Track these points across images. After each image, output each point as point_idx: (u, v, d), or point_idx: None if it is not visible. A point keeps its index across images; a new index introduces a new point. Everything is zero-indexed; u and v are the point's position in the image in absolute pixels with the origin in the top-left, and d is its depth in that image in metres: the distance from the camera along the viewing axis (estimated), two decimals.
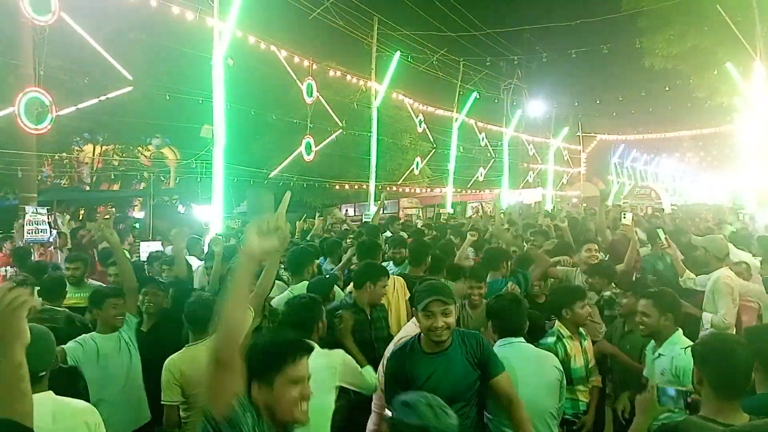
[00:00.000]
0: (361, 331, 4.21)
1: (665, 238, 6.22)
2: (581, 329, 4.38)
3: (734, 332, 5.33)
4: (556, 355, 3.92)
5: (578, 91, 36.18)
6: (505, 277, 5.54)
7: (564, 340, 4.15)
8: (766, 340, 2.95)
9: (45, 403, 2.61)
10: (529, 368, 3.51)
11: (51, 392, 2.77)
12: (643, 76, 28.91)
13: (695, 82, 24.87)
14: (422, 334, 3.16)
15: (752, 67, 18.17)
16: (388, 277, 4.62)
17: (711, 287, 5.34)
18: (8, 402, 2.02)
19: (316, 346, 3.34)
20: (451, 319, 3.09)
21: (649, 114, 34.16)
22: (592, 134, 42.35)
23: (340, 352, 3.58)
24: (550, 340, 4.18)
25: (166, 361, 3.74)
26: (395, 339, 3.97)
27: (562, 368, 3.70)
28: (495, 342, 3.70)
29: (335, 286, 5.28)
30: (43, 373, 2.69)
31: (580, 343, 4.26)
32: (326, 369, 3.31)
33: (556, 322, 4.36)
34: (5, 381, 2.01)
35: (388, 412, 2.95)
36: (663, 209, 22.95)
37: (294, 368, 2.19)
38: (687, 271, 5.86)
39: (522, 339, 3.71)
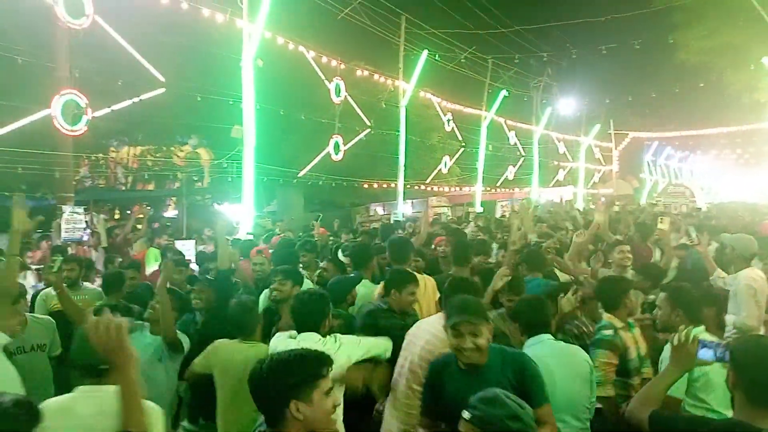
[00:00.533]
0: (394, 336, 4.03)
1: (696, 236, 6.14)
2: (629, 319, 4.29)
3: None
4: (617, 347, 3.92)
5: (609, 87, 35.59)
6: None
7: (620, 331, 4.05)
8: None
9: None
10: (563, 364, 3.53)
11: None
12: (676, 72, 28.39)
13: (730, 78, 24.35)
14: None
15: None
16: (417, 285, 4.46)
17: (734, 288, 5.24)
18: (132, 415, 2.37)
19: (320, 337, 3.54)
20: (482, 340, 2.97)
21: (683, 110, 33.52)
22: (625, 132, 41.68)
23: (336, 340, 3.59)
24: (608, 332, 4.06)
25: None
26: (419, 324, 3.98)
27: (592, 362, 3.70)
28: (523, 343, 3.74)
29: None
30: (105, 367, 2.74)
31: (632, 334, 4.18)
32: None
33: (605, 314, 4.29)
34: (127, 398, 2.37)
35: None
36: (699, 208, 22.50)
37: (326, 380, 2.30)
38: (718, 269, 5.75)
39: (550, 335, 3.74)
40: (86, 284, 6.22)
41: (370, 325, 4.21)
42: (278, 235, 10.50)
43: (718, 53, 22.29)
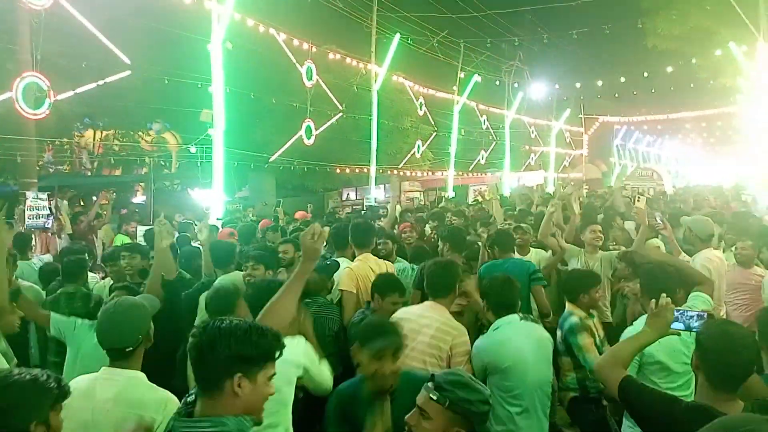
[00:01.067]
0: None
1: (662, 220, 6.21)
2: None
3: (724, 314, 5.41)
4: (589, 328, 4.18)
5: (580, 72, 35.80)
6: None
7: (583, 319, 4.29)
8: None
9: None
10: (534, 347, 3.66)
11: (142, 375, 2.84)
12: (646, 57, 28.67)
13: (698, 63, 24.74)
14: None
15: (756, 47, 18.04)
16: (402, 295, 4.34)
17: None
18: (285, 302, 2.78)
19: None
20: (398, 364, 2.92)
21: (652, 95, 33.95)
22: (594, 116, 42.15)
23: (302, 341, 3.43)
24: (575, 318, 4.29)
25: None
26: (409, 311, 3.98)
27: (577, 348, 3.95)
28: (490, 322, 3.78)
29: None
30: (130, 348, 2.80)
31: (592, 322, 4.41)
32: (290, 362, 3.10)
33: (568, 304, 4.42)
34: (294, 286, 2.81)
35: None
36: (665, 191, 22.90)
37: (273, 365, 2.12)
38: (682, 253, 5.85)
39: (516, 316, 3.81)
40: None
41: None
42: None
43: (686, 38, 22.58)
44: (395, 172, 24.11)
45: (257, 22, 14.91)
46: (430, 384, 2.33)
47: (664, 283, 3.70)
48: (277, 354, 2.11)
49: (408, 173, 25.38)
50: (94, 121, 19.70)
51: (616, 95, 35.04)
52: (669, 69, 27.58)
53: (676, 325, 2.69)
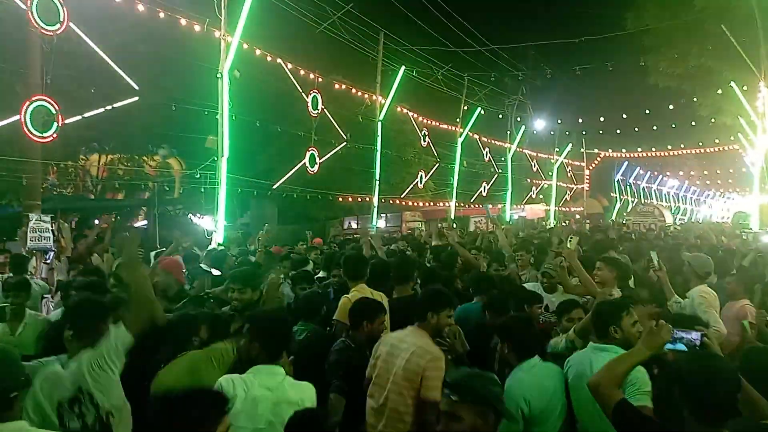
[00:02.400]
0: (361, 370, 3.97)
1: (658, 262, 6.19)
2: None
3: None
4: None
5: (582, 107, 36.25)
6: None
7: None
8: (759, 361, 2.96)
9: None
10: (558, 384, 3.60)
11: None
12: (647, 94, 29.02)
13: (699, 101, 25.00)
14: None
15: (757, 87, 18.24)
16: (386, 313, 4.41)
17: (692, 305, 5.36)
18: None
19: (290, 379, 3.25)
20: None
21: (653, 132, 34.25)
22: (596, 151, 42.41)
23: (311, 388, 3.32)
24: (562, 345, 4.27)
25: None
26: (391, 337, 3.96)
27: None
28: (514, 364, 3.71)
29: None
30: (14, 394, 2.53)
31: None
32: (294, 404, 3.10)
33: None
34: None
35: None
36: (668, 226, 22.93)
37: (223, 424, 2.12)
38: (675, 295, 5.82)
39: (538, 357, 3.72)
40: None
41: (343, 363, 4.13)
42: None
43: (688, 77, 22.87)
44: (397, 201, 24.19)
45: (265, 52, 15.13)
46: (446, 390, 2.49)
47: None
48: (221, 415, 2.13)
49: (410, 203, 25.45)
50: (100, 146, 19.85)
51: (618, 131, 35.36)
52: (670, 106, 27.90)
53: (673, 344, 2.76)
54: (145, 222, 20.95)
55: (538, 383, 3.51)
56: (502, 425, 2.68)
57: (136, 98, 13.11)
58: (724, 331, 5.07)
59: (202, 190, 16.76)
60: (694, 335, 2.76)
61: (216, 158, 13.01)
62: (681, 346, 2.75)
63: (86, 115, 12.36)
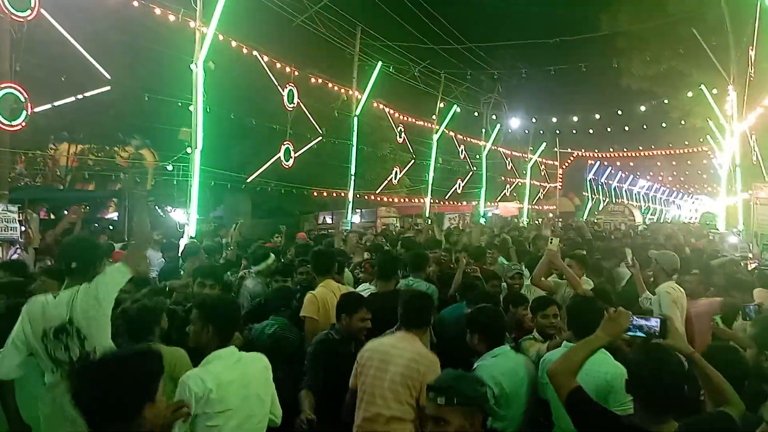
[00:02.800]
0: (346, 365, 3.93)
1: (632, 259, 6.30)
2: None
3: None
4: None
5: (556, 107, 36.60)
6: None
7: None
8: (723, 359, 3.03)
9: None
10: (527, 373, 3.75)
11: None
12: (620, 96, 29.43)
13: (670, 104, 25.47)
14: None
15: (726, 90, 18.63)
16: (367, 308, 4.36)
17: (656, 300, 5.52)
18: None
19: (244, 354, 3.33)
20: None
21: (625, 133, 34.75)
22: (569, 150, 42.92)
23: (262, 356, 3.45)
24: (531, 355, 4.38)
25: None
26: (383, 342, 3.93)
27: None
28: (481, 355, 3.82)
29: None
30: None
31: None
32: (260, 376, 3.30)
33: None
34: None
35: None
36: (637, 226, 23.35)
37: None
38: (646, 291, 5.95)
39: (508, 346, 3.92)
40: None
41: (325, 354, 4.16)
42: None
43: (660, 79, 23.29)
44: (372, 197, 24.20)
45: (240, 44, 14.99)
46: (431, 393, 2.47)
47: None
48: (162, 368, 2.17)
49: (385, 199, 25.47)
50: (70, 135, 19.44)
51: (591, 131, 35.80)
52: (642, 108, 28.36)
53: (632, 331, 2.74)
54: (116, 214, 20.63)
55: (509, 367, 3.66)
56: None
57: (108, 88, 12.90)
58: (681, 329, 5.18)
59: (175, 182, 16.57)
60: (653, 321, 2.73)
61: (189, 150, 12.86)
62: (640, 333, 2.73)
63: (56, 103, 12.15)
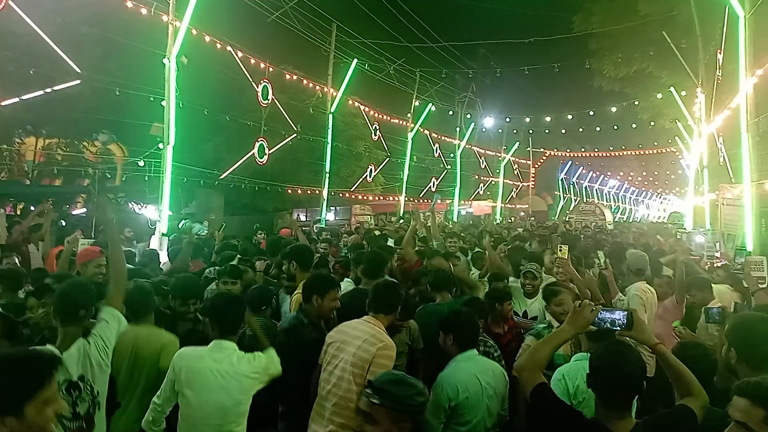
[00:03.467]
0: (315, 350, 3.96)
1: (605, 262, 6.37)
2: None
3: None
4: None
5: (530, 107, 37.18)
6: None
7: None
8: (691, 356, 3.10)
9: None
10: (492, 383, 3.76)
11: None
12: (592, 96, 29.84)
13: (640, 105, 25.85)
14: None
15: (695, 92, 18.99)
16: (338, 290, 4.40)
17: (626, 300, 5.60)
18: None
19: (236, 349, 3.58)
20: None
21: (596, 133, 35.26)
22: (542, 150, 43.40)
23: (263, 357, 3.70)
24: (541, 326, 4.63)
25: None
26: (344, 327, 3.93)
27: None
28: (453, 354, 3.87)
29: None
30: None
31: None
32: (249, 375, 3.57)
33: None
34: None
35: None
36: (606, 226, 23.70)
37: (48, 389, 1.99)
38: (619, 293, 6.02)
39: (476, 351, 3.93)
40: None
41: (294, 339, 4.15)
42: None
43: (630, 81, 23.61)
44: (347, 195, 24.16)
45: (214, 39, 14.82)
46: (368, 390, 2.43)
47: None
48: (49, 375, 2.01)
49: (360, 197, 25.45)
50: (37, 129, 19.00)
51: (563, 131, 36.25)
52: (613, 109, 28.77)
53: (598, 323, 2.76)
54: (84, 210, 20.25)
55: (469, 374, 3.69)
56: (428, 410, 2.85)
57: (78, 81, 12.66)
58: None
59: (146, 178, 16.32)
60: (618, 314, 2.76)
61: (162, 146, 12.66)
62: (606, 325, 2.75)
63: (24, 97, 11.88)
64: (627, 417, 2.48)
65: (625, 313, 2.76)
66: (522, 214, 35.36)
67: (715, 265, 9.72)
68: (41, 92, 12.26)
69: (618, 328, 2.74)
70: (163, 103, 12.39)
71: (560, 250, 5.85)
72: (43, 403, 1.95)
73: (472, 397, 3.61)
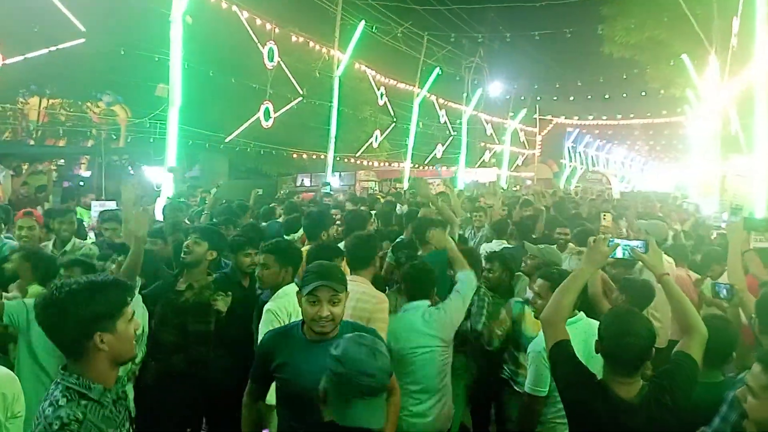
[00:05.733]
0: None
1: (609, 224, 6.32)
2: None
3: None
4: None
5: (538, 73, 36.52)
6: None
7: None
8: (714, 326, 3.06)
9: None
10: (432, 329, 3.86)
11: None
12: (602, 63, 29.37)
13: (651, 73, 25.48)
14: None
15: (707, 60, 18.68)
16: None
17: (640, 269, 5.37)
18: None
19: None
20: (339, 309, 2.81)
21: (605, 100, 34.86)
22: (549, 117, 42.99)
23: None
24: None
25: None
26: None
27: None
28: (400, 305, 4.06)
29: None
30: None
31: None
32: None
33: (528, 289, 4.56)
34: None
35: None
36: (612, 195, 23.59)
37: (128, 308, 2.18)
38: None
39: (427, 302, 4.01)
40: None
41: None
42: None
43: (642, 48, 23.22)
44: (351, 160, 24.04)
45: None
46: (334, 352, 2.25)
47: None
48: (129, 298, 2.20)
49: (365, 162, 25.32)
50: (41, 89, 18.82)
51: (572, 98, 35.82)
52: (624, 76, 28.36)
53: (617, 253, 2.85)
54: (89, 172, 20.19)
55: (409, 323, 3.82)
56: None
57: (82, 40, 12.47)
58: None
59: (152, 140, 16.21)
60: (636, 242, 2.87)
61: (166, 107, 12.52)
62: (625, 254, 2.84)
63: (28, 55, 11.71)
64: (635, 381, 2.50)
65: (644, 241, 2.88)
66: (528, 182, 35.15)
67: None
68: (45, 51, 12.08)
69: (638, 251, 2.83)
70: (169, 63, 12.20)
71: (604, 218, 5.85)
72: (127, 320, 2.15)
73: (405, 347, 3.81)
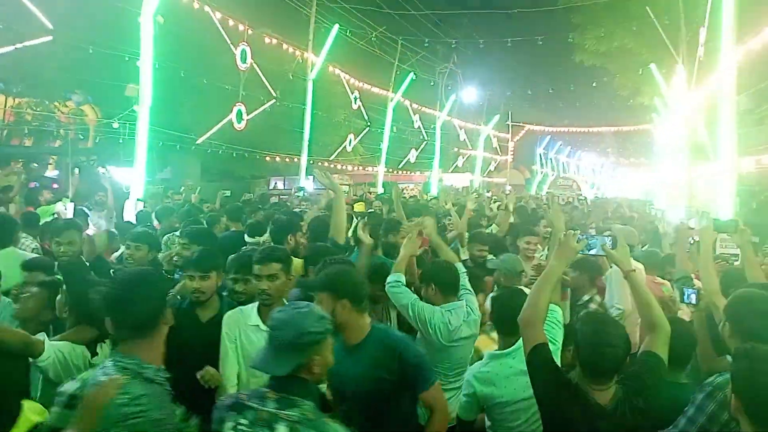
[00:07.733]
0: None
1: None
2: None
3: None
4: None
5: (511, 80, 36.95)
6: None
7: None
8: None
9: None
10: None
11: None
12: (573, 71, 29.81)
13: (620, 81, 25.91)
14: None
15: (674, 69, 19.05)
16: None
17: (608, 276, 5.34)
18: None
19: None
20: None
21: (575, 108, 35.37)
22: (521, 124, 43.43)
23: None
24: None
25: None
26: None
27: None
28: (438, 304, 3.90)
29: None
30: None
31: None
32: None
33: None
34: None
35: None
36: (584, 199, 23.88)
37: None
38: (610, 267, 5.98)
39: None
40: None
41: None
42: None
43: (611, 56, 23.61)
44: (325, 164, 23.95)
45: None
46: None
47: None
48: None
49: (339, 166, 25.25)
50: (7, 87, 18.36)
51: (543, 105, 36.27)
52: (594, 84, 28.80)
53: (587, 249, 2.90)
54: (57, 172, 19.76)
55: (447, 319, 3.77)
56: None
57: (50, 38, 12.20)
58: (627, 307, 5.00)
59: (121, 140, 15.94)
60: (604, 239, 2.91)
61: (137, 107, 12.31)
62: (595, 251, 2.88)
63: None
64: (610, 387, 2.50)
65: (610, 237, 2.94)
66: (509, 188, 35.29)
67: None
68: (11, 48, 11.80)
69: (607, 247, 2.88)
70: (139, 63, 12.01)
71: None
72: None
73: (448, 340, 3.78)
